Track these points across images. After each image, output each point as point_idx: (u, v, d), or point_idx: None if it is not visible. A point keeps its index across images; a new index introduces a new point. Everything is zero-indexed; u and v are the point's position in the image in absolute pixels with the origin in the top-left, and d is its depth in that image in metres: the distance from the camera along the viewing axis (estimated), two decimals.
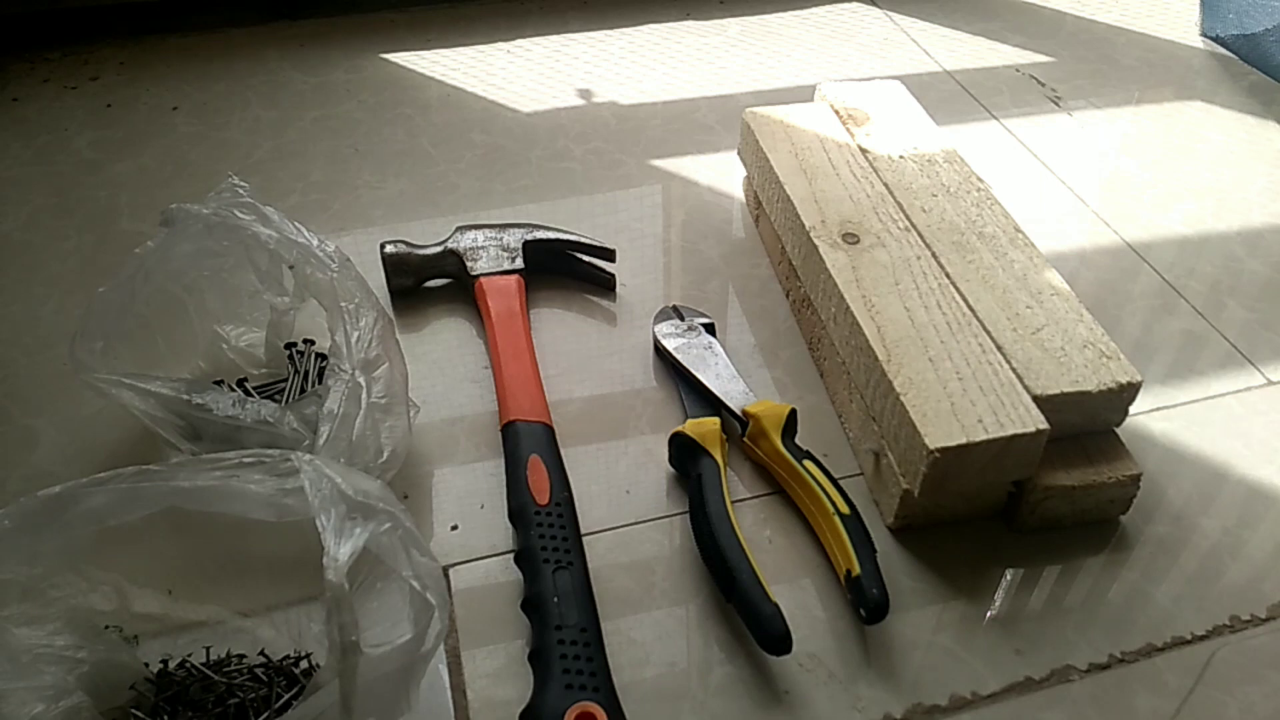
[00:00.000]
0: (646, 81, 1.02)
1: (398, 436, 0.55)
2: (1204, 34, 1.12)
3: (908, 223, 0.67)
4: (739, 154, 0.81)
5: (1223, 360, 0.71)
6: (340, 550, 0.40)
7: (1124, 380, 0.56)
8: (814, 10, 1.16)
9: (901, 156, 0.74)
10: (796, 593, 0.55)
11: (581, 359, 0.70)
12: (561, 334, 0.72)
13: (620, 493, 0.60)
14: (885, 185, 0.71)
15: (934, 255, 0.65)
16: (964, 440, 0.52)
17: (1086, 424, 0.58)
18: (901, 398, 0.55)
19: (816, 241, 0.65)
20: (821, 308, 0.66)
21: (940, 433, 0.53)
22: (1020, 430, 0.53)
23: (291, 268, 0.58)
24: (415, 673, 0.42)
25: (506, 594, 0.54)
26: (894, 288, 0.62)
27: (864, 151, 0.74)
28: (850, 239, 0.66)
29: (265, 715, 0.46)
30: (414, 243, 0.73)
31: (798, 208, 0.68)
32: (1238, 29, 1.07)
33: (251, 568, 0.53)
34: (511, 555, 0.55)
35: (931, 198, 0.70)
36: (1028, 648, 0.53)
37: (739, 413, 0.62)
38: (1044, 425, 0.53)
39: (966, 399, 0.54)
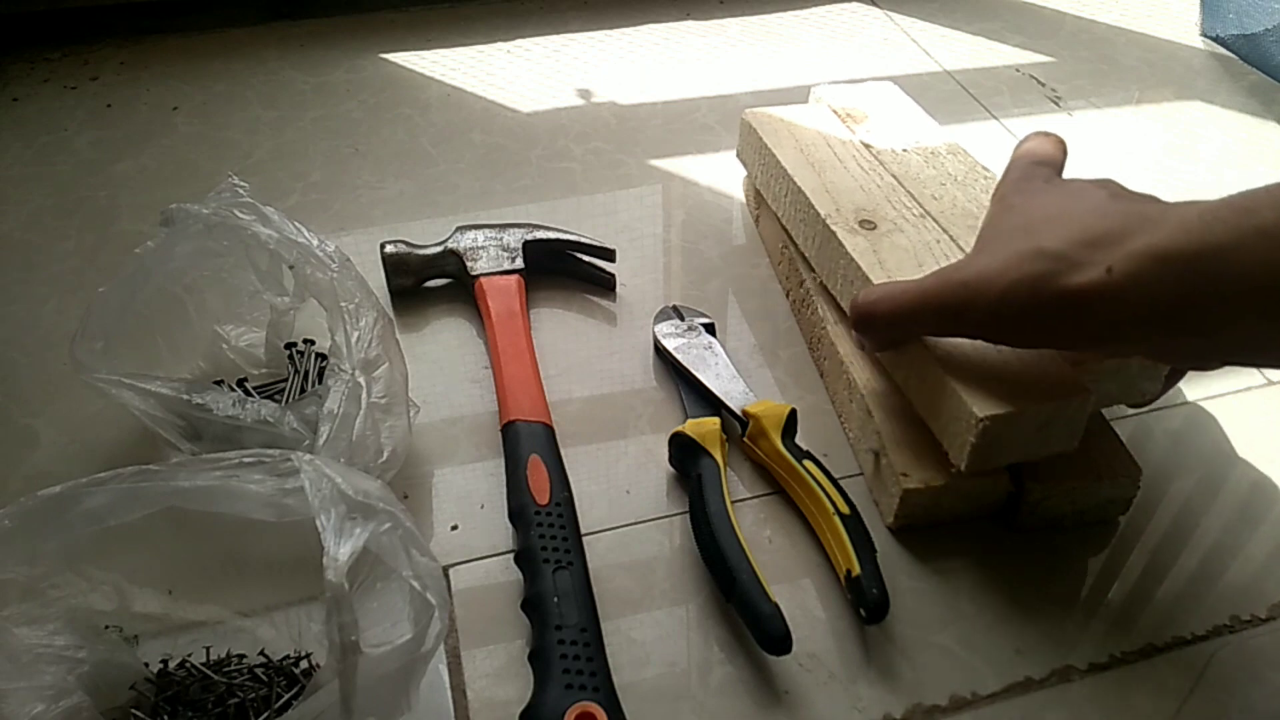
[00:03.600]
0: (646, 81, 1.02)
1: (398, 436, 0.55)
2: (1204, 34, 1.12)
3: (921, 210, 0.67)
4: (738, 155, 0.81)
5: None
6: (340, 550, 0.40)
7: None
8: (814, 10, 1.16)
9: (905, 150, 0.73)
10: (796, 593, 0.55)
11: (581, 359, 0.70)
12: (561, 334, 0.72)
13: (620, 493, 0.60)
14: (894, 176, 0.70)
15: (952, 239, 0.64)
16: (1010, 409, 0.51)
17: (1123, 394, 0.57)
18: (943, 369, 0.54)
19: (834, 228, 0.64)
20: (842, 294, 0.65)
21: (986, 402, 0.51)
22: (1065, 399, 0.52)
23: (291, 268, 0.58)
24: (415, 673, 0.42)
25: (506, 594, 0.54)
26: (918, 269, 0.60)
27: (867, 146, 0.74)
28: (867, 225, 0.65)
29: (265, 715, 0.46)
30: (414, 243, 0.73)
31: (810, 198, 0.67)
32: (1238, 29, 1.07)
33: (251, 568, 0.53)
34: (511, 555, 0.55)
35: (940, 186, 0.69)
36: (1028, 648, 0.53)
37: (739, 413, 0.62)
38: (1088, 392, 0.52)
39: (1008, 370, 0.53)
